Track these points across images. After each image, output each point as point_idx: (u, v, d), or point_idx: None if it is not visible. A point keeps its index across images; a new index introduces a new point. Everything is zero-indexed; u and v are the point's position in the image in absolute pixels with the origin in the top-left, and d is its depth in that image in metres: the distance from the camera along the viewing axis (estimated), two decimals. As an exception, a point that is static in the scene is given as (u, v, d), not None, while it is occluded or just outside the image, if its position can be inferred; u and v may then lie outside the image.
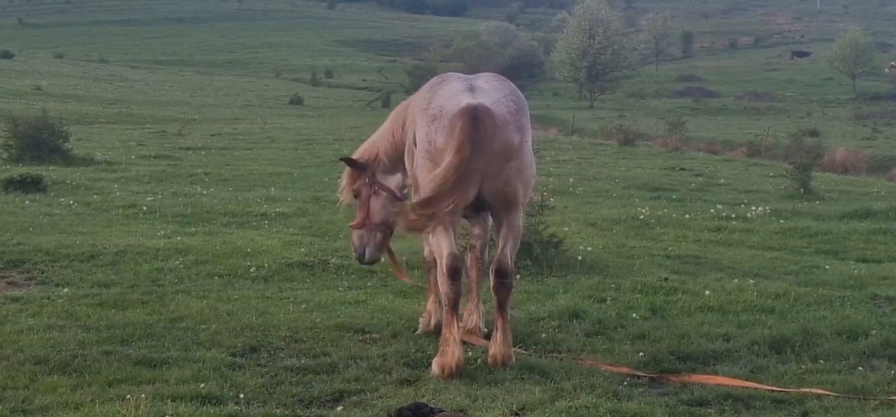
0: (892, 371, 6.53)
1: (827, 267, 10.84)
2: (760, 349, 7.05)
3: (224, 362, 6.48)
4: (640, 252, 11.47)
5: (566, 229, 11.99)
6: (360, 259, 7.58)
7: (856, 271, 10.48)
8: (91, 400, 5.67)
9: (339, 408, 5.75)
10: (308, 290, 8.89)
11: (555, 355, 6.89)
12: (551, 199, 12.11)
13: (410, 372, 6.40)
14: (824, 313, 8.06)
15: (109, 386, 5.95)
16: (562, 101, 79.76)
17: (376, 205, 7.39)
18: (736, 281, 9.41)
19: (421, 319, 7.49)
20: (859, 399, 5.98)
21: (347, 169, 7.54)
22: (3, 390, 5.87)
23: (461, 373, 6.30)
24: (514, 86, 6.76)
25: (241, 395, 5.84)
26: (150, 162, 22.04)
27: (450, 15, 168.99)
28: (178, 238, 11.52)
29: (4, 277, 9.37)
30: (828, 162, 30.51)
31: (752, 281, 9.34)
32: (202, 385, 5.96)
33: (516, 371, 6.37)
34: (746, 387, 6.09)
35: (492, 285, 6.54)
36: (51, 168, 18.56)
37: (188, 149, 25.83)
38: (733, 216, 14.84)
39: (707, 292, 8.73)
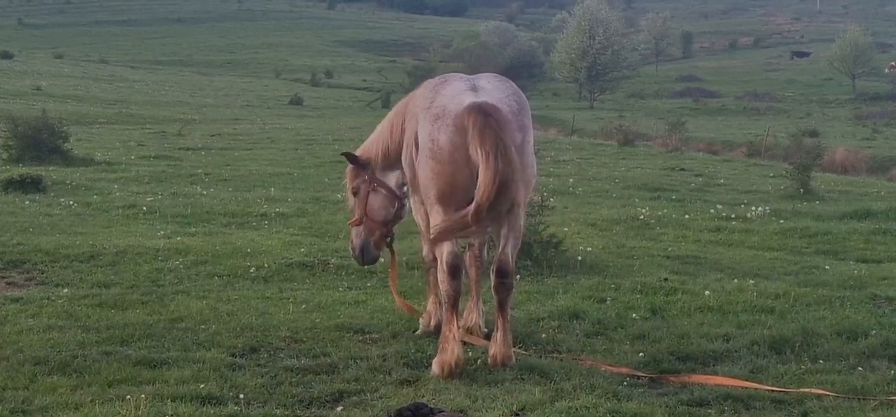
0: (892, 372, 6.53)
1: (827, 267, 10.84)
2: (760, 349, 7.05)
3: (224, 362, 6.48)
4: (640, 252, 11.47)
5: (566, 229, 11.99)
6: (359, 258, 7.58)
7: (856, 271, 10.48)
8: (91, 401, 5.67)
9: (339, 409, 5.75)
10: (308, 291, 8.89)
11: (555, 355, 6.89)
12: (551, 200, 12.12)
13: (410, 373, 6.40)
14: (824, 313, 8.06)
15: (109, 387, 5.95)
16: (562, 102, 79.81)
17: (375, 202, 7.40)
18: (736, 281, 9.41)
19: (421, 320, 7.49)
20: (859, 399, 5.98)
21: (349, 166, 7.55)
22: (3, 390, 5.87)
23: (461, 372, 6.30)
24: (515, 86, 6.77)
25: (241, 395, 5.84)
26: (149, 162, 22.03)
27: (449, 15, 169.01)
28: (178, 238, 11.53)
29: (4, 278, 9.37)
30: (827, 162, 30.51)
31: (751, 282, 9.33)
32: (202, 385, 5.96)
33: (516, 372, 6.37)
34: (746, 387, 6.09)
35: (492, 284, 6.54)
36: (51, 168, 18.56)
37: (188, 149, 25.83)
38: (733, 216, 14.83)
39: (707, 292, 8.73)
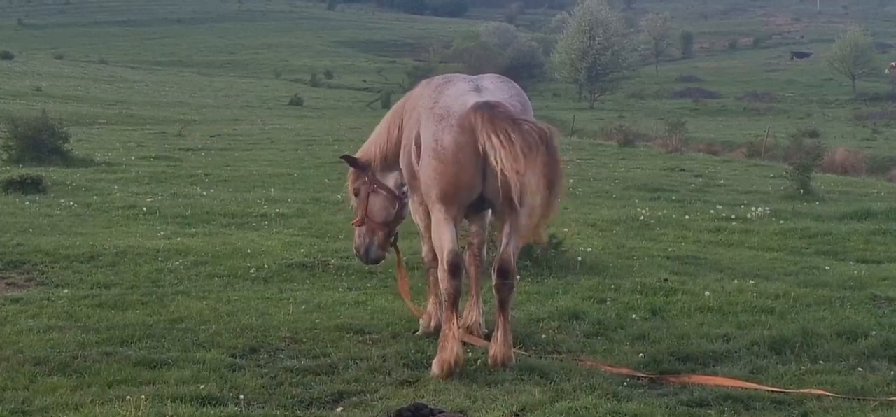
0: (892, 372, 6.53)
1: (827, 267, 10.84)
2: (760, 349, 7.05)
3: (224, 363, 6.49)
4: (640, 252, 11.47)
5: (566, 230, 11.98)
6: (363, 258, 7.58)
7: (855, 272, 10.48)
8: (91, 401, 5.67)
9: (339, 409, 5.75)
10: (308, 291, 8.89)
11: (555, 356, 6.89)
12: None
13: (410, 373, 6.40)
14: (824, 314, 8.06)
15: (109, 387, 5.95)
16: (562, 102, 79.74)
17: (376, 203, 7.40)
18: (736, 281, 9.41)
19: (421, 320, 7.49)
20: (859, 399, 5.98)
21: (350, 168, 7.55)
22: (3, 391, 5.88)
23: (461, 370, 6.31)
24: (518, 87, 6.78)
25: (241, 396, 5.84)
26: (149, 163, 22.03)
27: (449, 15, 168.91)
28: (178, 239, 11.53)
29: (4, 278, 9.38)
30: (827, 162, 30.49)
31: (751, 282, 9.34)
32: (202, 386, 5.97)
33: (516, 372, 6.37)
34: (746, 388, 6.09)
35: (494, 284, 6.54)
36: (51, 169, 18.56)
37: (188, 149, 25.83)
38: (733, 217, 14.84)
39: (707, 293, 8.73)
